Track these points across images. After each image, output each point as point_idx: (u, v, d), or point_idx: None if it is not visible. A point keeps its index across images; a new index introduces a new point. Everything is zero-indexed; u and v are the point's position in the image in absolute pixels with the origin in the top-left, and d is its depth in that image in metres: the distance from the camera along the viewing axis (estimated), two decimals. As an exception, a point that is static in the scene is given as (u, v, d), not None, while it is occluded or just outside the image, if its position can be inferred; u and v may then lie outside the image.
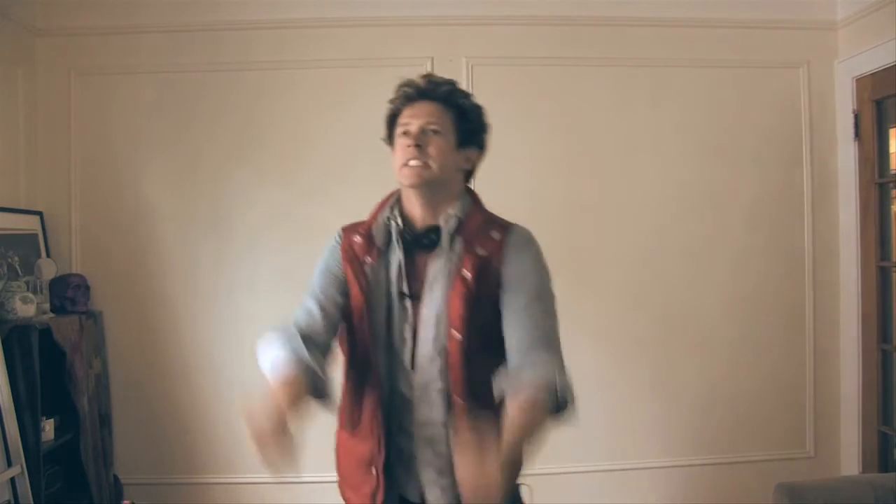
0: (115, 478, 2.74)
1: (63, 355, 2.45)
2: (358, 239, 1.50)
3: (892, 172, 2.79)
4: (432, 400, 1.43)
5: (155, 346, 2.81)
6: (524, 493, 1.65)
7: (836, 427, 2.93)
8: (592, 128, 2.87)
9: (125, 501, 2.59)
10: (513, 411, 1.25)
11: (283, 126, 2.81)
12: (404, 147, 1.44)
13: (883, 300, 2.77)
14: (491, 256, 1.43)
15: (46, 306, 2.57)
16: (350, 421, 1.51)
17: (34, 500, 2.24)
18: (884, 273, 2.78)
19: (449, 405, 1.42)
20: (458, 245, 1.44)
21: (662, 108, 2.89)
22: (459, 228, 1.46)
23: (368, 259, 1.48)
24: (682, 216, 2.89)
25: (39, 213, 2.75)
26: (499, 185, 2.48)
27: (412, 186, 1.44)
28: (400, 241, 1.47)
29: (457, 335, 1.39)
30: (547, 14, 2.84)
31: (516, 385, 1.31)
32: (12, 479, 2.17)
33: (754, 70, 2.92)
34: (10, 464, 2.18)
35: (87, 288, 2.72)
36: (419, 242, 1.46)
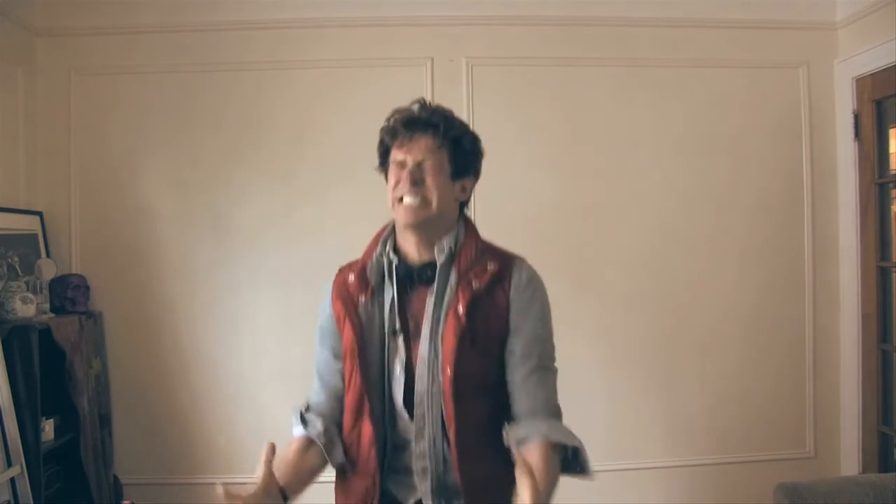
0: (115, 478, 2.74)
1: (63, 355, 2.45)
2: (352, 279, 1.47)
3: (892, 172, 2.79)
4: (428, 436, 1.41)
5: (155, 346, 2.81)
6: None
7: (836, 427, 2.93)
8: (592, 128, 2.87)
9: (125, 501, 2.58)
10: (536, 459, 1.30)
11: (283, 126, 2.81)
12: (399, 181, 1.40)
13: (883, 300, 2.77)
14: (486, 290, 1.40)
15: (46, 306, 2.57)
16: (348, 459, 1.49)
17: (34, 500, 2.24)
18: (884, 273, 2.78)
19: (445, 443, 1.40)
20: (453, 278, 1.41)
21: (662, 109, 2.89)
22: (454, 260, 1.42)
23: (362, 298, 1.45)
24: (681, 217, 2.89)
25: (39, 213, 2.75)
26: (499, 185, 2.50)
27: (408, 226, 1.41)
28: (392, 279, 1.44)
29: (449, 371, 1.36)
30: (547, 14, 2.84)
31: (532, 435, 1.36)
32: (12, 480, 2.17)
33: (754, 70, 2.92)
34: (9, 464, 2.18)
35: (87, 288, 2.72)
36: (414, 279, 1.44)
